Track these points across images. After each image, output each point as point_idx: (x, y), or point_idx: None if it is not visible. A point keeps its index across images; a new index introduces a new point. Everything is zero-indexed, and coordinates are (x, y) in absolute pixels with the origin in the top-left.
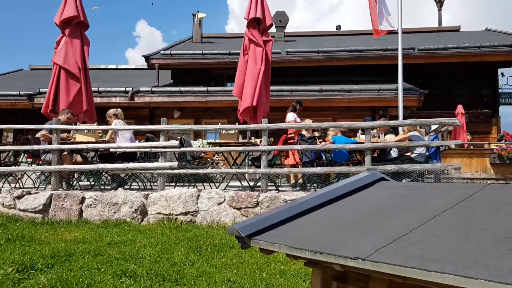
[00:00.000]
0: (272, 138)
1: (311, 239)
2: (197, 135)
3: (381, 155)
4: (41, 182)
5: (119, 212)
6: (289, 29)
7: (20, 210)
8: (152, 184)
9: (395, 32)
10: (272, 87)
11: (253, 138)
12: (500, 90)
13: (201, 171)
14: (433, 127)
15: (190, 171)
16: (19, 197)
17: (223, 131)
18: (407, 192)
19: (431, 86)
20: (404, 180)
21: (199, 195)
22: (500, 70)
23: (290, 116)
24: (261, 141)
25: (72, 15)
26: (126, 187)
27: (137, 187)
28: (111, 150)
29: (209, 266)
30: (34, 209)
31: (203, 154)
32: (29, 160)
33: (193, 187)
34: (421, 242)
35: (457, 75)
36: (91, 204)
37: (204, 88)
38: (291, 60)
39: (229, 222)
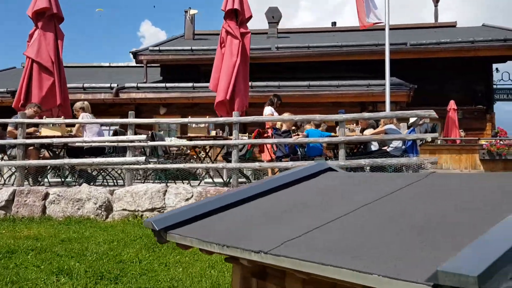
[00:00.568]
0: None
1: (225, 233)
2: (184, 131)
3: (362, 149)
4: (8, 178)
5: (83, 208)
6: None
7: None
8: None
9: (382, 27)
10: (259, 83)
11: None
12: (494, 86)
13: (169, 166)
14: (411, 120)
15: (157, 166)
16: None
17: (193, 125)
18: (349, 182)
19: (424, 82)
20: None
21: (166, 190)
22: (494, 66)
23: (267, 110)
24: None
25: (44, 6)
26: (97, 183)
27: (110, 184)
28: (77, 144)
29: (159, 264)
30: None
31: (182, 149)
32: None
33: (164, 183)
34: (333, 234)
35: (451, 70)
36: (54, 200)
37: (190, 84)
38: (281, 56)
39: None
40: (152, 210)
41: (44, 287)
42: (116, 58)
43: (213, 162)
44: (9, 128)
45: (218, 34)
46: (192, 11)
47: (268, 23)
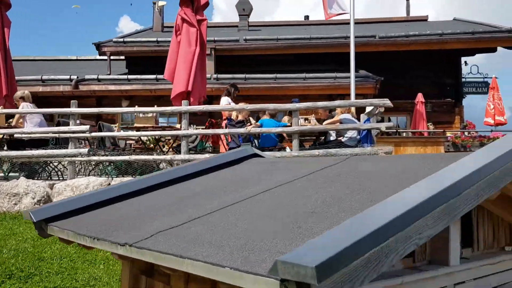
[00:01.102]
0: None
1: (103, 225)
2: None
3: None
4: None
5: (20, 203)
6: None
7: None
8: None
9: (355, 20)
10: (226, 75)
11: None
12: (463, 79)
13: (113, 158)
14: (368, 109)
15: (101, 158)
16: None
17: (140, 114)
18: (268, 168)
19: (393, 75)
20: None
21: (109, 184)
22: (463, 59)
23: (223, 100)
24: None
25: None
26: (44, 176)
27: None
28: (16, 135)
29: (83, 261)
30: None
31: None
32: None
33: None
34: (209, 224)
35: (421, 63)
36: None
37: (153, 76)
38: (249, 48)
39: None
40: None
41: None
42: (89, 52)
43: (164, 154)
44: None
45: None
46: (160, 3)
47: (239, 15)
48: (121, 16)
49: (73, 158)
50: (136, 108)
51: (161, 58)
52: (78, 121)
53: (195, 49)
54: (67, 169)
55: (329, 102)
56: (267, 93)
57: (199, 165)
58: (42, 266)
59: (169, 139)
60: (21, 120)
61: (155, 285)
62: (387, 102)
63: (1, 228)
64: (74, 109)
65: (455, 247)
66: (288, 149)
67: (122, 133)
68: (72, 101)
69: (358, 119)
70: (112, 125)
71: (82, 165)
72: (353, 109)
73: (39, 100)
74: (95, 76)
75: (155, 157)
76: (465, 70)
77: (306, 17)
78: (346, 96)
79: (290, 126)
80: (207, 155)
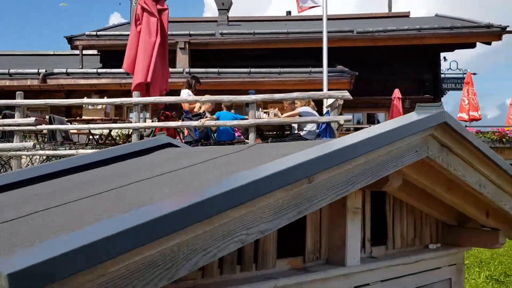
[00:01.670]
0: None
1: None
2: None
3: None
4: None
5: None
6: None
7: None
8: None
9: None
10: (198, 69)
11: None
12: (442, 75)
13: (58, 152)
14: (329, 102)
15: (46, 152)
16: None
17: (89, 106)
18: (175, 156)
19: (372, 70)
20: None
21: None
22: (442, 55)
23: (184, 93)
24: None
25: None
26: None
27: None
28: None
29: None
30: None
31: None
32: None
33: None
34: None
35: (399, 59)
36: None
37: (123, 70)
38: (225, 42)
39: None
40: None
41: None
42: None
43: None
44: None
45: (176, 22)
46: None
47: (218, 10)
48: (111, 14)
49: (18, 153)
50: (84, 100)
51: None
52: (29, 114)
53: (156, 39)
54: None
55: (286, 94)
56: (240, 87)
57: (108, 152)
58: None
59: (124, 133)
60: None
61: None
62: (346, 94)
63: None
64: (20, 101)
65: (354, 245)
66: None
67: (69, 126)
68: (17, 92)
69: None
70: (64, 118)
71: (33, 160)
72: (313, 102)
73: (5, 94)
74: (64, 70)
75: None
76: (444, 65)
77: (288, 12)
78: (320, 91)
79: (247, 119)
80: None
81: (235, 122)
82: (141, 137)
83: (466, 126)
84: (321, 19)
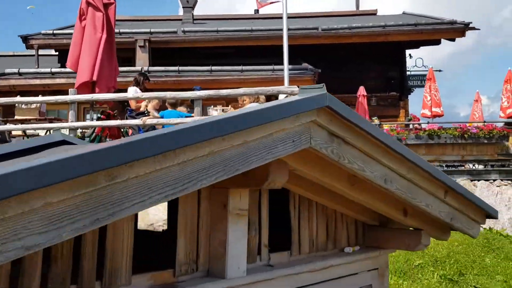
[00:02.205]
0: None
1: None
2: None
3: None
4: None
5: None
6: None
7: None
8: None
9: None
10: (158, 68)
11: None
12: (408, 73)
13: None
14: (280, 98)
15: None
16: None
17: (22, 105)
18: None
19: (337, 68)
20: None
21: None
22: (408, 52)
23: (131, 90)
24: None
25: None
26: None
27: None
28: None
29: None
30: None
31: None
32: None
33: None
34: None
35: (365, 56)
36: None
37: None
38: (188, 40)
39: None
40: None
41: None
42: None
43: None
44: None
45: (137, 21)
46: None
47: (182, 7)
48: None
49: None
50: (16, 98)
51: None
52: None
53: (101, 35)
54: None
55: (233, 89)
56: (202, 86)
57: None
58: None
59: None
60: None
61: None
62: (295, 89)
63: None
64: None
65: (237, 254)
66: None
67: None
68: None
69: None
70: None
71: None
72: (262, 98)
73: None
74: (16, 70)
75: None
76: (410, 63)
77: (256, 11)
78: None
79: (193, 116)
80: None
81: (178, 120)
82: (82, 138)
83: (428, 122)
84: (290, 18)
